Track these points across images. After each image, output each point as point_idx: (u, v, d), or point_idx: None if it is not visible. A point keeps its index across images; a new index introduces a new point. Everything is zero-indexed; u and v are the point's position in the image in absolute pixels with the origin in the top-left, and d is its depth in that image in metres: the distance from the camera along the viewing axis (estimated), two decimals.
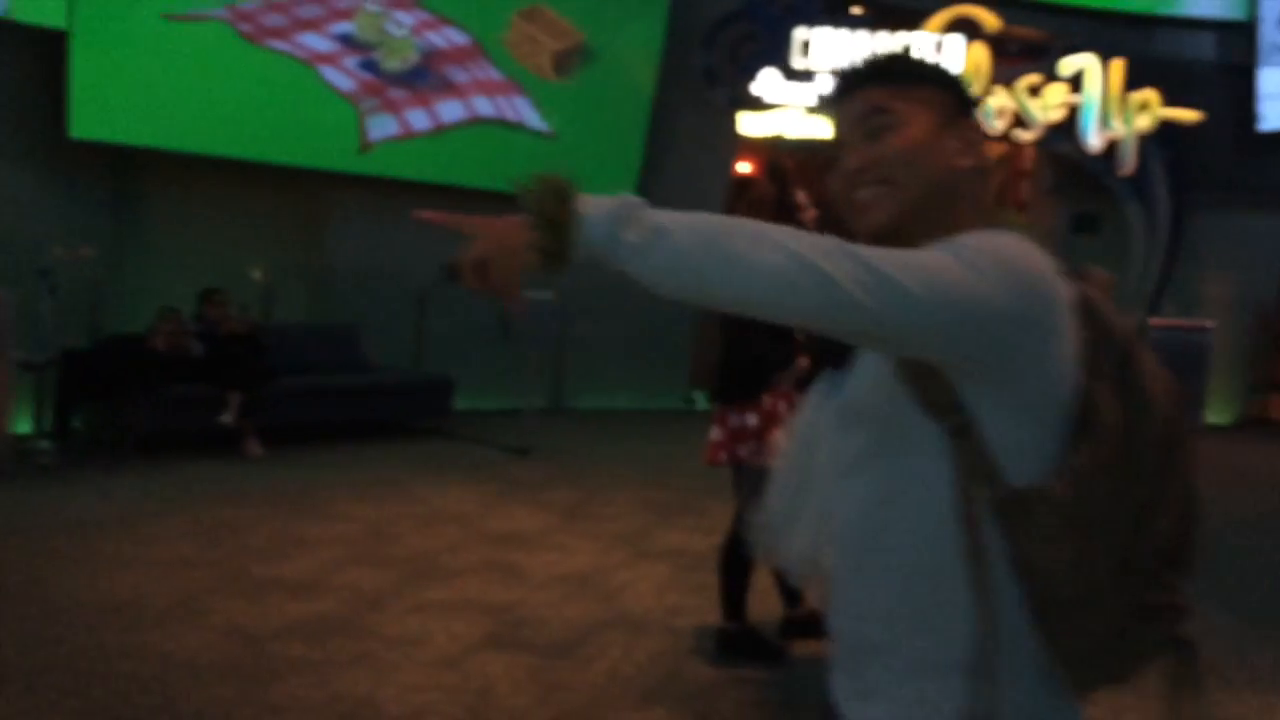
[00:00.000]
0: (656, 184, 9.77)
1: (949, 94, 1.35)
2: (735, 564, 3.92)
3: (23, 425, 7.29)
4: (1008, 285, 1.17)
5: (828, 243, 1.13)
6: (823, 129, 9.92)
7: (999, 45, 10.22)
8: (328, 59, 8.79)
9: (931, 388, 1.22)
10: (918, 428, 1.24)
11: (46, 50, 7.65)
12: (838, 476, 1.39)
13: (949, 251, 1.18)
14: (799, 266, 1.10)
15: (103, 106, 7.82)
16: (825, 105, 1.42)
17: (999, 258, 1.19)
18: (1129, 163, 10.37)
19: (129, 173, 8.45)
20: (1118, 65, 10.22)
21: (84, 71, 7.69)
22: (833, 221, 3.37)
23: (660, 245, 1.12)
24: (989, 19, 10.12)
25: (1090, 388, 1.23)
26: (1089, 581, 1.21)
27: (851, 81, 1.36)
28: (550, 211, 1.14)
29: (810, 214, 3.72)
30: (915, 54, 1.38)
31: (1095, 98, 10.21)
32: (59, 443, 6.95)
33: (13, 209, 7.63)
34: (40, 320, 6.88)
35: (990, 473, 1.21)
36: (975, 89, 9.94)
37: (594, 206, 1.14)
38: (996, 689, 1.22)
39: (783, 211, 3.64)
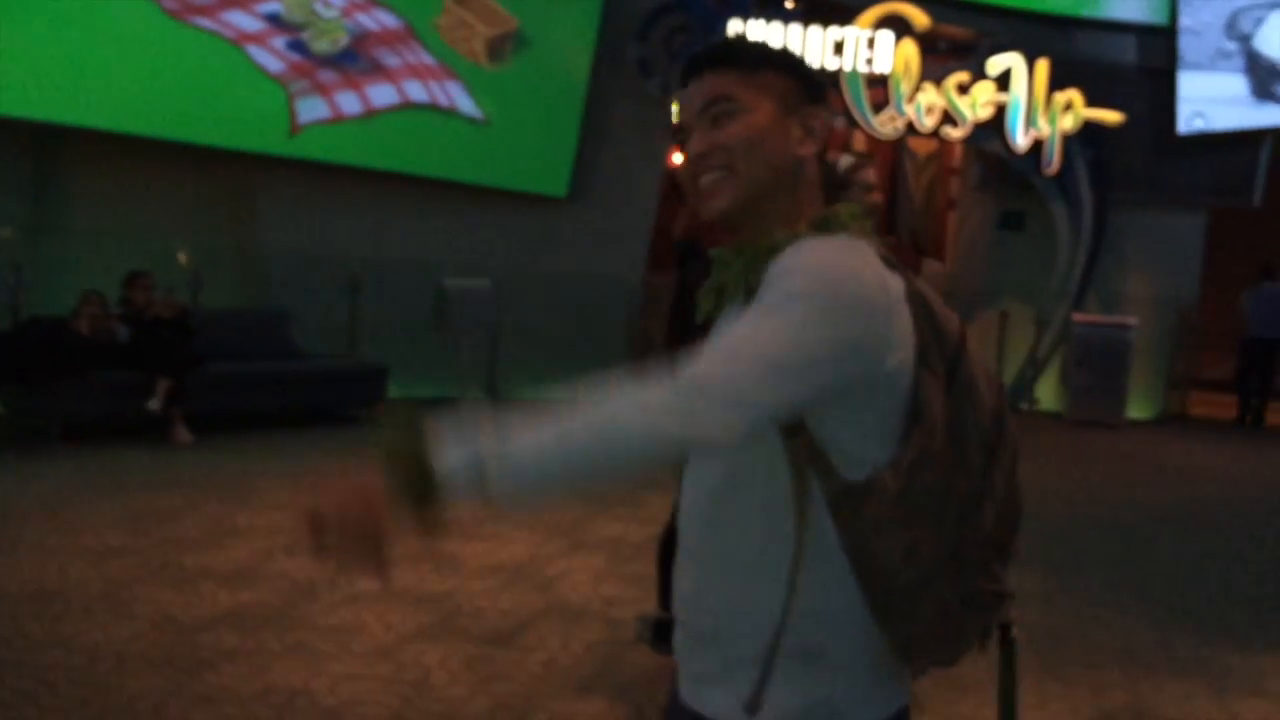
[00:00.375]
0: (590, 173, 9.77)
1: (794, 80, 1.37)
2: (672, 554, 3.95)
3: None
4: (843, 326, 1.20)
5: (672, 393, 1.13)
6: None
7: (928, 43, 10.38)
8: (255, 39, 8.62)
9: None
10: (763, 433, 1.25)
11: None
12: (687, 469, 1.41)
13: (782, 312, 1.19)
14: (662, 437, 1.13)
15: (20, 82, 7.59)
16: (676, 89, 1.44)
17: (830, 293, 1.20)
18: (1054, 162, 10.62)
19: (49, 151, 8.22)
20: (1043, 66, 10.46)
21: (0, 45, 7.45)
22: None
23: (523, 454, 1.10)
24: (918, 16, 10.27)
25: (921, 382, 1.26)
26: (920, 570, 1.25)
27: (697, 65, 1.37)
28: (404, 449, 1.09)
29: None
30: (760, 38, 1.43)
31: (1021, 97, 10.44)
32: None
33: None
34: None
35: (824, 467, 1.24)
36: (906, 86, 10.12)
37: (447, 436, 1.10)
38: (830, 677, 1.27)
39: None
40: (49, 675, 3.46)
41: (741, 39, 1.41)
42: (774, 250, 1.29)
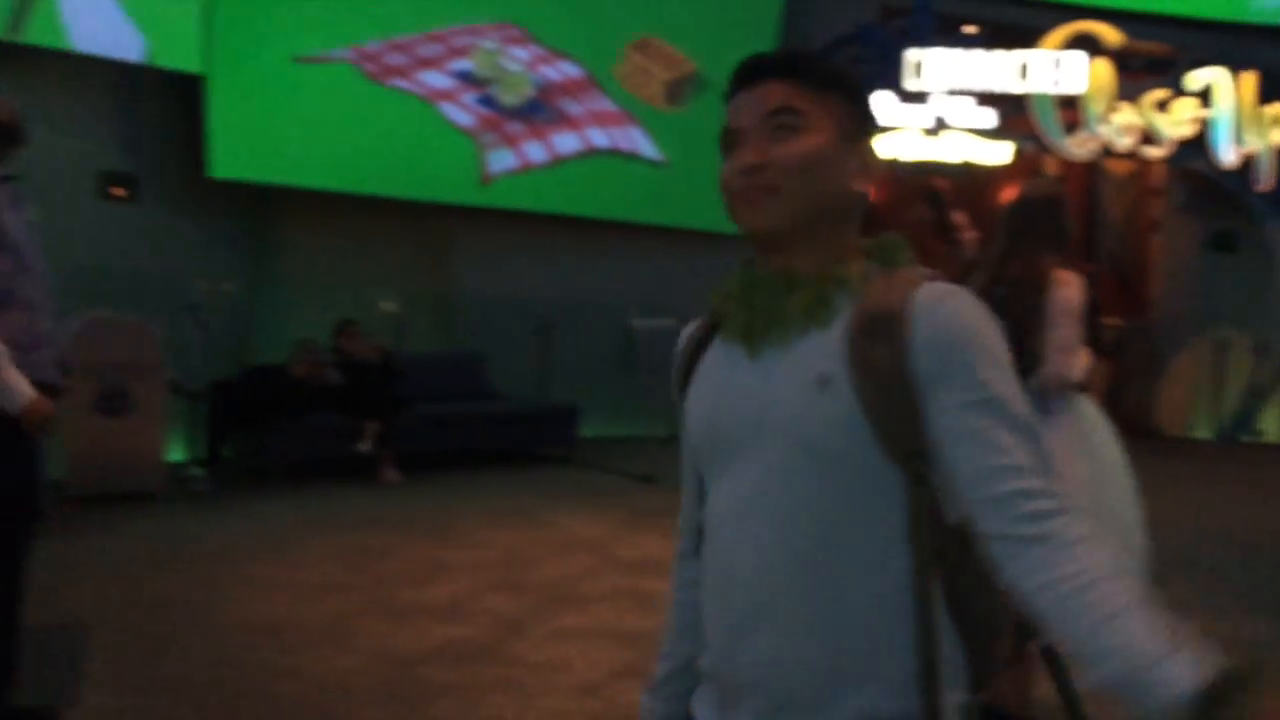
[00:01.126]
0: None
1: (855, 109, 1.30)
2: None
3: (177, 453, 7.62)
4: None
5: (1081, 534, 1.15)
6: (939, 150, 9.81)
7: (1122, 61, 9.97)
8: (447, 95, 9.02)
9: (902, 436, 1.19)
10: (874, 469, 1.20)
11: (185, 94, 8.00)
12: (731, 510, 1.27)
13: (1012, 396, 1.19)
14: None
15: (238, 147, 8.10)
16: (727, 94, 1.33)
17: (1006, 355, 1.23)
18: (1266, 178, 10.00)
19: (265, 210, 8.77)
20: (1249, 78, 9.88)
21: (220, 114, 8.00)
22: (991, 242, 3.30)
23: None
24: (1110, 34, 9.89)
25: None
26: (1008, 608, 1.22)
27: (759, 72, 1.29)
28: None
29: (970, 235, 3.68)
30: (827, 59, 1.32)
31: (1227, 112, 9.89)
32: (210, 469, 7.25)
33: (158, 246, 7.99)
34: (189, 352, 7.19)
35: (937, 514, 1.20)
36: (1100, 106, 9.74)
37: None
38: None
39: (942, 234, 3.60)
40: (283, 704, 3.65)
41: (810, 53, 1.32)
42: (841, 285, 1.25)
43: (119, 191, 7.93)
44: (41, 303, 3.20)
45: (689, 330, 1.44)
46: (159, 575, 5.15)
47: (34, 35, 7.26)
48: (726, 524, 1.27)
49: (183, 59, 7.88)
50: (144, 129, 8.10)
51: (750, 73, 1.30)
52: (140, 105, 8.08)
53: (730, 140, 1.30)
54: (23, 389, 3.02)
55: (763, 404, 1.25)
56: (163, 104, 8.15)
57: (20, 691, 3.30)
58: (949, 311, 1.20)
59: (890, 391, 1.18)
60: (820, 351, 1.22)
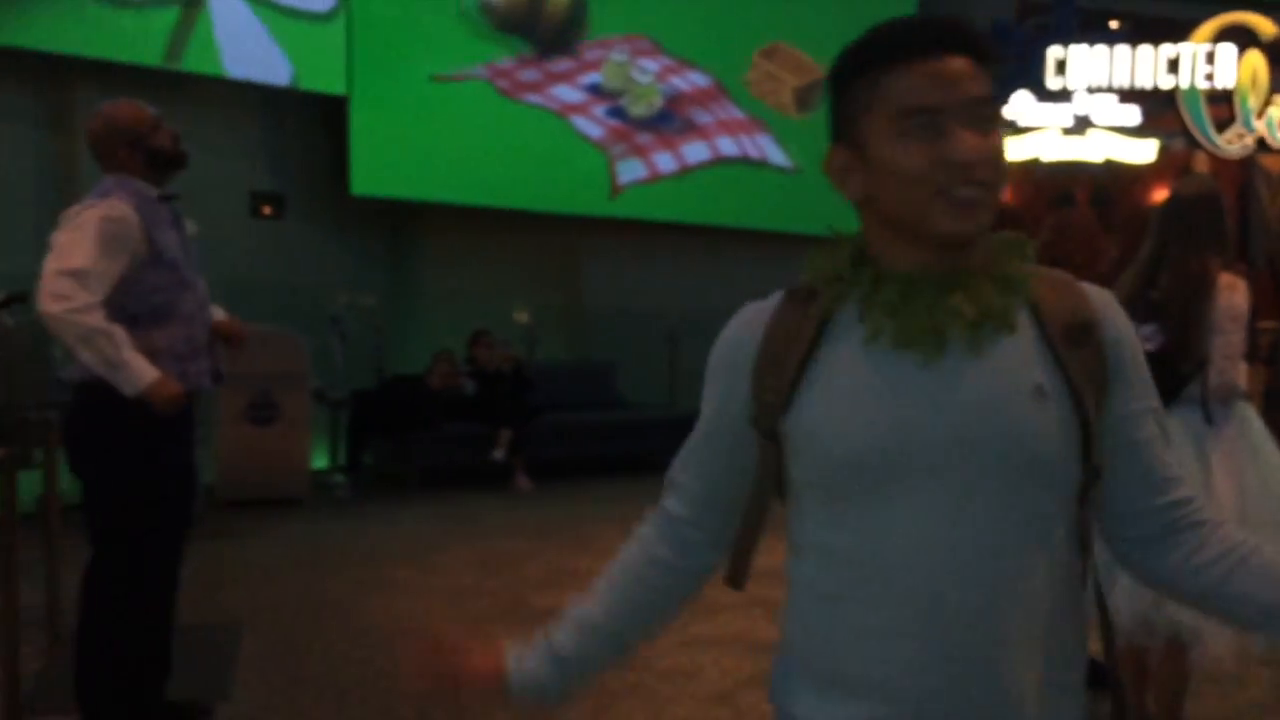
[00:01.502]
0: None
1: None
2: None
3: (320, 460, 7.92)
4: None
5: None
6: (1080, 149, 9.48)
7: (1277, 52, 9.50)
8: (578, 109, 9.14)
9: (1099, 441, 1.18)
10: (1069, 477, 1.17)
11: (329, 115, 8.30)
12: (921, 538, 1.14)
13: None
14: None
15: (379, 165, 8.34)
16: (885, 51, 1.13)
17: None
18: None
19: (403, 225, 9.01)
20: None
21: (362, 133, 8.25)
22: (1142, 243, 3.17)
23: None
24: (1265, 25, 9.43)
25: None
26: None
27: (953, 43, 1.12)
28: None
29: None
30: None
31: None
32: (351, 476, 7.51)
33: (302, 261, 8.30)
34: (332, 363, 7.46)
35: (1099, 509, 1.22)
36: (1254, 100, 9.29)
37: None
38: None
39: (1109, 232, 3.51)
40: (424, 703, 3.75)
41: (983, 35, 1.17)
42: (1014, 285, 1.17)
43: (267, 210, 8.29)
44: (200, 316, 3.36)
45: (757, 327, 1.30)
46: (305, 578, 5.36)
47: (191, 63, 7.65)
48: (917, 554, 1.13)
49: (327, 81, 8.18)
50: (290, 149, 8.45)
51: (933, 42, 1.12)
52: (287, 127, 8.44)
53: (927, 121, 1.11)
54: (142, 370, 3.02)
55: (970, 418, 1.13)
56: (308, 125, 8.48)
57: (175, 687, 3.47)
58: (1124, 316, 1.23)
59: (1098, 398, 1.18)
60: (1023, 359, 1.15)
